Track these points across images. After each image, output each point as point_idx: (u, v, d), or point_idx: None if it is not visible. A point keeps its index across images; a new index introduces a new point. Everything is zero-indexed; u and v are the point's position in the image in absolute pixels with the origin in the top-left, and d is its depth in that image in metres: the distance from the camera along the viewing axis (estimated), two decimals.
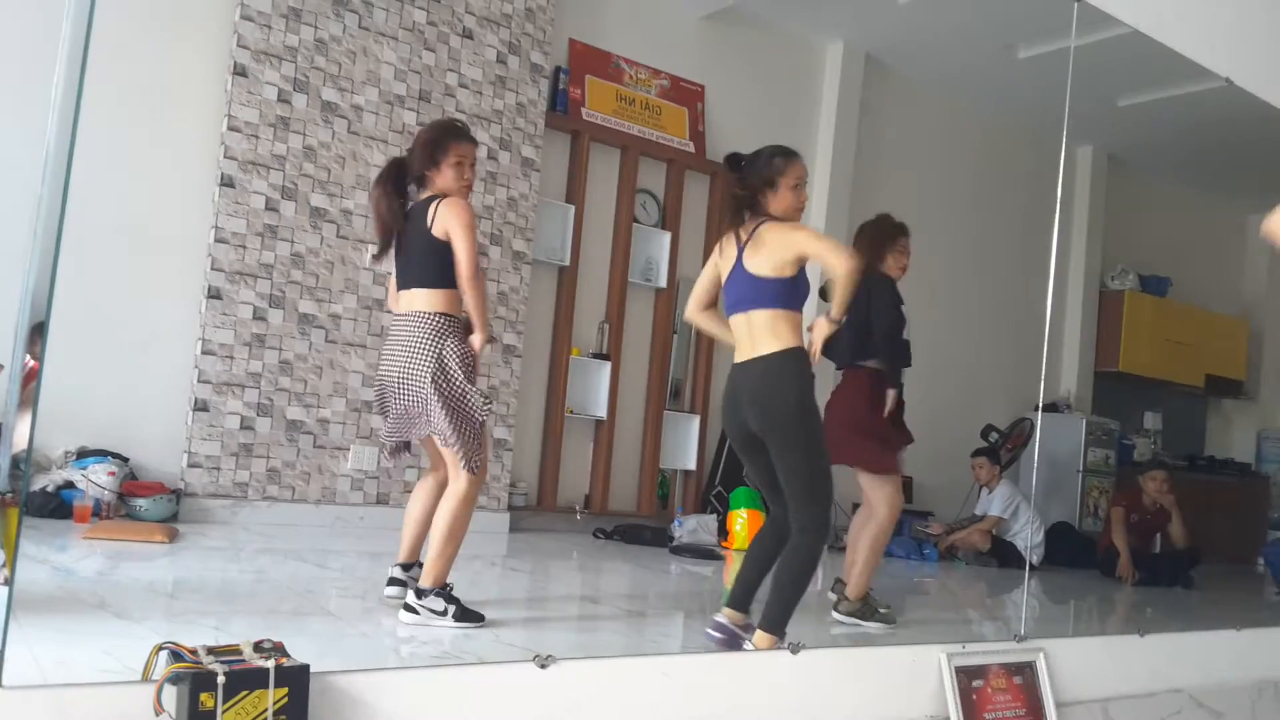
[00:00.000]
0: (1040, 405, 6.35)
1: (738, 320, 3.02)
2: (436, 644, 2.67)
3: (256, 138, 5.05)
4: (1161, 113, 7.56)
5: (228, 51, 5.04)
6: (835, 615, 3.82)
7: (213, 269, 4.94)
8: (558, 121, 6.19)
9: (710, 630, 3.00)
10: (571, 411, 6.24)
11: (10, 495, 2.20)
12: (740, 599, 3.09)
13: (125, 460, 4.71)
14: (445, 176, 3.17)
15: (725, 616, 3.05)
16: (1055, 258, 4.89)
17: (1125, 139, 8.58)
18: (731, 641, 2.98)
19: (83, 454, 4.63)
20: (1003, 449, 7.36)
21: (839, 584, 3.93)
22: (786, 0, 6.82)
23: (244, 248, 5.01)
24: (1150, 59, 4.89)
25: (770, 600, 2.95)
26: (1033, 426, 7.25)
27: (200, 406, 4.89)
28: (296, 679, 1.95)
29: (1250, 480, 9.73)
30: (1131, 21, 4.30)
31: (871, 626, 3.79)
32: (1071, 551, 7.15)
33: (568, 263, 6.21)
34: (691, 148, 6.75)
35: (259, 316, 5.04)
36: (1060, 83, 4.21)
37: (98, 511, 4.40)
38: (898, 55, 7.58)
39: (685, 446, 6.74)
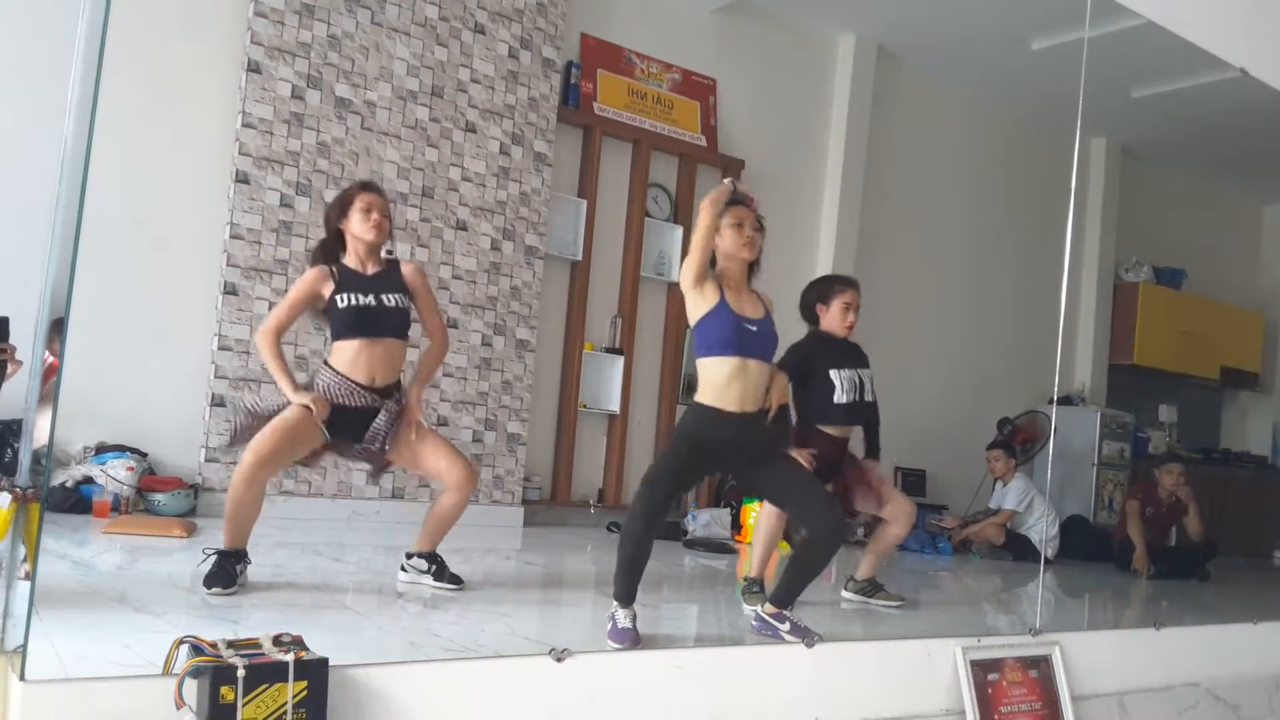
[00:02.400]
0: (1054, 398, 6.33)
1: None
2: (453, 638, 2.68)
3: (270, 134, 5.08)
4: (1176, 104, 7.51)
5: (241, 48, 5.06)
6: (844, 594, 4.08)
7: (228, 265, 4.97)
8: (570, 116, 6.20)
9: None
10: (584, 406, 6.25)
11: (31, 491, 2.22)
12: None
13: (143, 455, 4.74)
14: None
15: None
16: (1069, 250, 4.87)
17: (1139, 130, 8.53)
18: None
19: (101, 449, 4.67)
20: (1014, 441, 7.34)
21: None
22: None
23: (259, 244, 5.04)
24: (1165, 50, 4.87)
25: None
26: (1048, 421, 7.22)
27: (217, 402, 4.92)
28: (316, 672, 1.97)
29: (1266, 473, 9.67)
30: (1145, 12, 4.28)
31: (878, 604, 3.98)
32: (1086, 545, 7.12)
33: (580, 257, 6.22)
34: (703, 141, 6.75)
35: None
36: (1074, 74, 4.19)
37: (116, 506, 4.44)
38: (910, 47, 7.55)
39: None
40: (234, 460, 4.91)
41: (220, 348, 4.94)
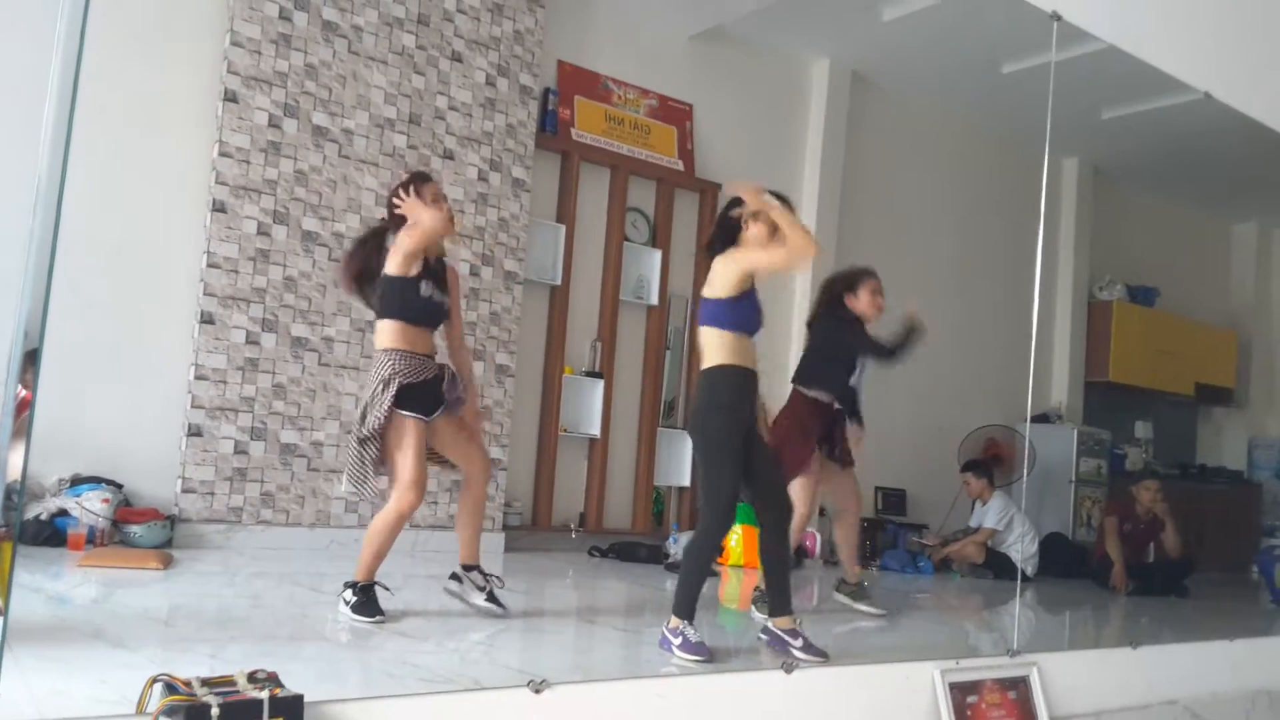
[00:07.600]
0: (1029, 416, 6.38)
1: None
2: (432, 668, 2.67)
3: (248, 163, 5.08)
4: (1144, 125, 7.64)
5: (218, 77, 5.07)
6: (836, 595, 4.46)
7: (205, 294, 4.95)
8: (547, 142, 6.23)
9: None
10: (565, 430, 6.25)
11: (4, 529, 2.20)
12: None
13: (119, 487, 4.71)
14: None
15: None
16: (1041, 269, 4.93)
17: (1109, 151, 8.65)
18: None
19: (76, 481, 4.63)
20: (984, 454, 7.37)
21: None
22: (773, 19, 6.88)
23: (236, 272, 5.03)
24: (1133, 72, 4.94)
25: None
26: (1023, 440, 7.26)
27: (194, 431, 4.90)
28: (291, 709, 1.96)
29: (1242, 488, 9.78)
30: (1111, 38, 4.36)
31: (862, 608, 4.31)
32: (1065, 562, 7.17)
33: (559, 282, 6.24)
34: (681, 166, 6.79)
35: (252, 341, 5.05)
36: (1045, 96, 4.26)
37: (92, 539, 4.40)
38: (883, 71, 7.64)
39: (679, 463, 6.76)
40: (211, 490, 4.90)
41: (197, 377, 4.92)
